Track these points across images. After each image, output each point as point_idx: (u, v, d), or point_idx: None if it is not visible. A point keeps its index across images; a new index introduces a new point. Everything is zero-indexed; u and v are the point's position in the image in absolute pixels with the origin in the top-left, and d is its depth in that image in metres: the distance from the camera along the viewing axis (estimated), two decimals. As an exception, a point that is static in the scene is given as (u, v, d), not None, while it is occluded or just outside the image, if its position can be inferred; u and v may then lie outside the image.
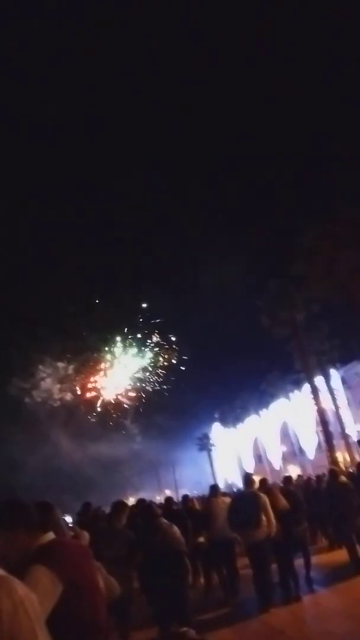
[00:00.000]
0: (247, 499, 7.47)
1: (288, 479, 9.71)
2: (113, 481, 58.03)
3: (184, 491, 56.60)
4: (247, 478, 8.14)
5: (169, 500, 10.16)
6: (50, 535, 2.58)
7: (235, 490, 27.52)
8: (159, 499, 53.02)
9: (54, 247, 67.32)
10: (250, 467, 52.37)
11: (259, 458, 50.89)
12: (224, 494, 10.50)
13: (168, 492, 62.91)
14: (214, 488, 9.28)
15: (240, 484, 47.65)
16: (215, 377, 60.34)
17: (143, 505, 8.25)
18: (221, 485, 54.44)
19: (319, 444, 38.83)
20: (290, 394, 42.90)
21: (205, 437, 60.52)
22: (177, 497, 41.63)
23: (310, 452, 41.23)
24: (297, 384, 40.74)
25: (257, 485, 8.40)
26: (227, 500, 8.63)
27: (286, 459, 47.05)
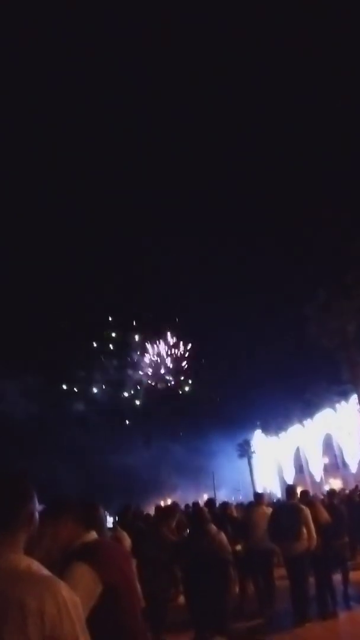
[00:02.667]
0: (289, 511, 7.40)
1: (332, 492, 9.55)
2: (152, 483, 58.40)
3: (222, 497, 56.42)
4: (290, 489, 8.07)
5: (210, 502, 10.14)
6: (93, 535, 2.64)
7: (274, 500, 27.18)
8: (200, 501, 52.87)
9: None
10: (290, 477, 51.58)
11: (300, 468, 50.05)
12: (267, 504, 10.41)
13: (206, 497, 62.71)
14: (258, 496, 9.22)
15: (279, 493, 47.06)
16: (259, 384, 59.73)
17: (194, 509, 8.30)
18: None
19: (363, 458, 37.98)
20: (337, 405, 42.04)
21: (246, 443, 60.03)
22: (216, 504, 41.39)
23: (354, 465, 40.28)
24: (344, 395, 39.88)
25: (298, 496, 8.32)
26: (269, 510, 8.56)
27: (328, 471, 46.10)
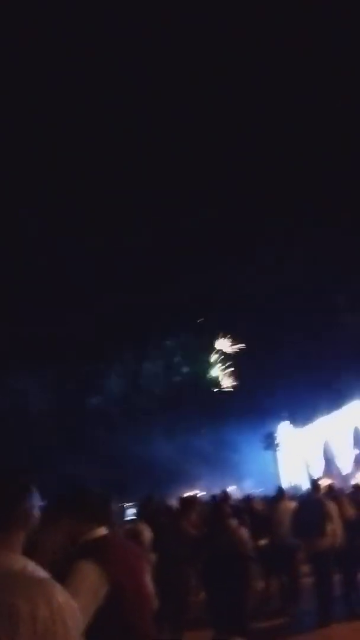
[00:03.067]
0: (313, 506, 7.08)
1: (358, 487, 9.16)
2: (176, 474, 58.49)
3: (246, 489, 56.13)
4: (314, 484, 7.73)
5: (225, 496, 9.87)
6: (103, 531, 2.49)
7: (299, 494, 26.84)
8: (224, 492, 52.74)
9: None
10: (318, 470, 50.99)
11: (328, 461, 49.42)
12: (291, 498, 10.08)
13: (231, 489, 62.65)
14: (281, 491, 8.90)
15: (305, 487, 46.54)
16: (286, 374, 59.10)
17: (213, 503, 8.04)
18: (285, 487, 53.54)
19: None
20: (366, 396, 41.31)
21: (272, 435, 59.50)
22: (240, 494, 41.23)
23: (383, 458, 39.61)
24: (374, 386, 39.12)
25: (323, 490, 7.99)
26: (292, 504, 8.24)
27: (358, 463, 45.40)
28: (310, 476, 52.39)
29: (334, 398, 46.17)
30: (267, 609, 8.13)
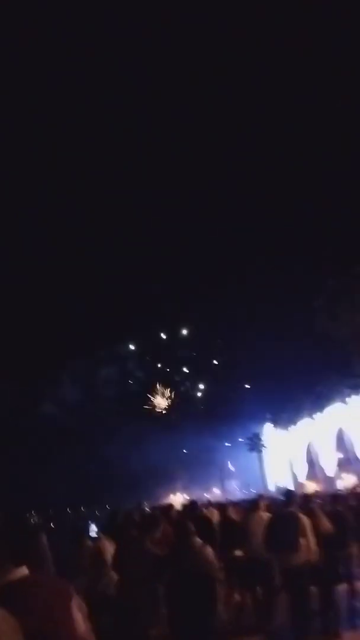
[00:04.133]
0: (286, 520, 6.73)
1: (336, 497, 8.84)
2: (160, 478, 58.23)
3: (232, 491, 55.93)
4: (288, 496, 7.38)
5: (192, 504, 9.48)
6: (23, 571, 2.15)
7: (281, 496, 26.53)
8: (207, 496, 52.59)
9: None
10: (302, 472, 50.90)
11: (312, 463, 49.30)
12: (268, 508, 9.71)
13: (216, 491, 62.43)
14: (255, 502, 8.51)
15: (291, 488, 46.42)
16: (269, 377, 59.07)
17: (177, 522, 7.66)
18: (271, 489, 53.37)
19: (376, 453, 37.30)
20: (348, 399, 41.19)
21: (256, 437, 59.35)
22: (224, 497, 40.88)
23: (367, 460, 39.55)
24: (356, 389, 39.06)
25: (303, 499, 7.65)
26: (266, 516, 7.90)
27: (341, 466, 45.36)
28: (294, 477, 52.23)
29: (316, 401, 46.18)
30: (242, 624, 7.80)
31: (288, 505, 7.06)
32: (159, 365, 73.60)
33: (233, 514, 10.26)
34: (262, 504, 8.34)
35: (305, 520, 6.57)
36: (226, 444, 63.16)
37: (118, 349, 72.12)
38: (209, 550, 5.40)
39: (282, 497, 9.00)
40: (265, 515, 7.89)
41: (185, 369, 69.98)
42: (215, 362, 69.26)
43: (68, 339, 61.35)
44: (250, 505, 8.77)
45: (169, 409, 68.26)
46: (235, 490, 60.43)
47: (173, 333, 72.63)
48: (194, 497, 34.12)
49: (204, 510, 11.26)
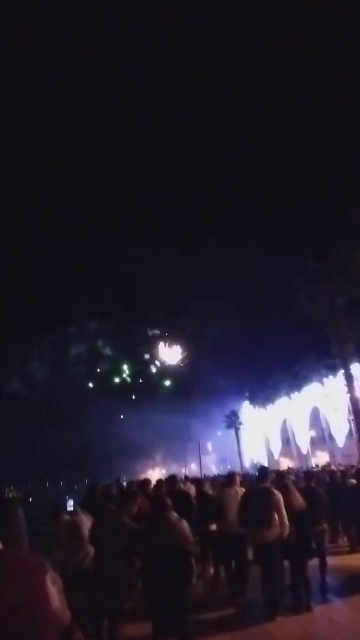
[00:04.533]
0: (259, 496, 6.81)
1: (309, 474, 8.97)
2: (138, 454, 58.67)
3: (209, 467, 56.63)
4: (262, 472, 7.46)
5: (172, 478, 9.52)
6: None
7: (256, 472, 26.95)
8: (184, 471, 53.20)
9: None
10: (277, 449, 51.73)
11: (287, 440, 50.12)
12: (242, 482, 9.78)
13: (194, 467, 63.17)
14: (230, 477, 8.59)
15: (266, 464, 47.13)
16: (247, 356, 59.44)
17: (154, 495, 7.70)
18: (247, 465, 54.13)
19: (350, 432, 37.99)
20: (324, 379, 41.81)
21: (234, 414, 60.04)
22: (201, 473, 41.39)
23: (340, 439, 40.31)
24: (332, 370, 39.62)
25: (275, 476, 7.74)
26: (241, 491, 7.99)
27: (315, 444, 46.22)
28: (270, 454, 53.08)
29: (294, 380, 46.71)
30: (215, 597, 7.94)
31: (262, 481, 7.15)
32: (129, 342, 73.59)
33: (209, 489, 10.39)
34: (237, 479, 8.41)
35: (278, 495, 6.66)
36: (203, 421, 63.79)
37: (87, 326, 71.81)
38: (185, 525, 5.45)
39: (256, 473, 9.09)
40: (240, 490, 7.98)
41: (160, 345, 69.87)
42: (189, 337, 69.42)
43: (35, 315, 61.01)
44: (225, 481, 8.85)
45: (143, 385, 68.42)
46: (212, 466, 61.16)
47: (144, 310, 72.49)
48: (172, 472, 34.46)
49: (182, 485, 11.37)
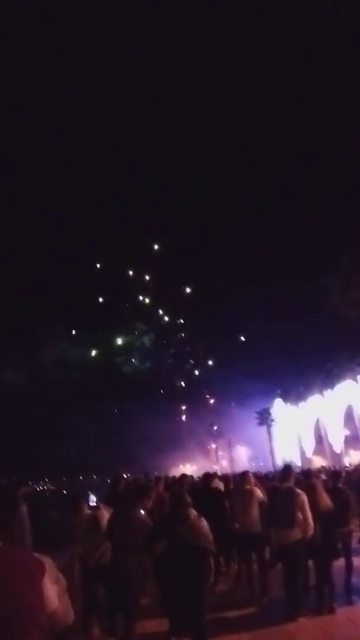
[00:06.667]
0: (284, 495, 6.67)
1: (337, 474, 8.75)
2: (171, 450, 58.84)
3: (241, 464, 56.35)
4: (286, 471, 7.30)
5: (206, 476, 9.42)
6: None
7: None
8: (216, 468, 53.10)
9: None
10: (310, 448, 51.07)
11: (320, 439, 49.42)
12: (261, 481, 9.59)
13: (225, 464, 62.96)
14: (244, 476, 8.36)
15: (298, 462, 46.62)
16: (280, 352, 58.81)
17: (172, 490, 7.62)
18: (279, 462, 53.64)
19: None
20: (358, 377, 41.02)
21: (266, 412, 59.56)
22: (232, 470, 41.16)
23: (375, 438, 39.60)
24: (367, 367, 38.88)
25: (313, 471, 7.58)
26: (256, 491, 7.84)
27: (348, 442, 45.44)
28: (302, 452, 52.37)
29: (327, 378, 45.94)
30: (237, 596, 7.84)
31: (285, 480, 7.00)
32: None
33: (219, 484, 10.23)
34: (251, 478, 8.24)
35: (302, 496, 6.50)
36: (234, 417, 63.59)
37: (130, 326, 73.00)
38: (204, 523, 5.36)
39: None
40: (255, 490, 7.84)
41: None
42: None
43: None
44: (239, 479, 8.68)
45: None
46: (244, 462, 60.86)
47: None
48: (202, 469, 34.45)
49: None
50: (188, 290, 74.03)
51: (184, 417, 62.54)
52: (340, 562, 7.41)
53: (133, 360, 72.17)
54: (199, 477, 14.20)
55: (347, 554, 7.65)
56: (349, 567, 7.65)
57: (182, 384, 70.05)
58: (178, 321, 75.06)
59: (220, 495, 8.83)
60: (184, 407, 65.56)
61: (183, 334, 74.76)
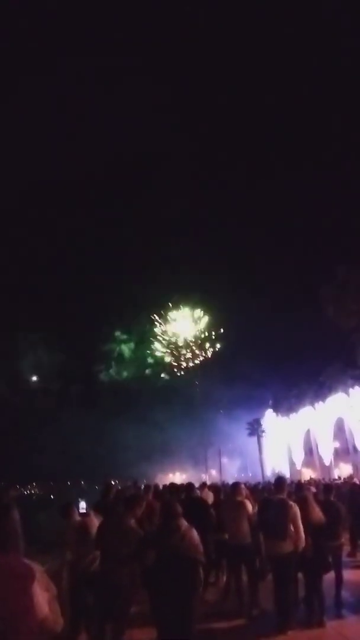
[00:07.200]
0: (276, 507, 6.64)
1: (329, 487, 8.73)
2: (160, 459, 58.61)
3: (230, 473, 56.22)
4: (279, 482, 7.27)
5: (189, 486, 9.35)
6: None
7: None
8: (205, 477, 52.92)
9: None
10: (299, 459, 51.03)
11: (310, 451, 49.40)
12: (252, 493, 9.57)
13: (214, 473, 62.80)
14: (235, 487, 8.33)
15: (287, 474, 46.54)
16: (272, 364, 58.89)
17: (163, 501, 7.57)
18: (268, 473, 53.55)
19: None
20: (350, 390, 41.06)
21: (257, 422, 59.52)
22: (221, 480, 41.08)
23: (365, 451, 39.60)
24: (358, 380, 38.95)
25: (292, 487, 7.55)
26: (246, 502, 7.81)
27: (338, 455, 45.44)
28: (292, 464, 52.39)
29: (319, 390, 45.98)
30: (227, 607, 7.78)
31: (278, 492, 6.97)
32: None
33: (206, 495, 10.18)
34: (243, 490, 8.22)
35: (295, 508, 6.48)
36: (224, 427, 63.53)
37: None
38: (195, 534, 5.31)
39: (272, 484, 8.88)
40: (246, 502, 7.81)
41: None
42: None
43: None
44: (230, 491, 8.65)
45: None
46: (234, 473, 60.70)
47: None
48: (191, 478, 34.33)
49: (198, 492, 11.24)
50: None
51: (173, 426, 62.33)
52: (330, 576, 7.39)
53: (115, 367, 72.38)
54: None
55: (338, 567, 7.62)
56: (339, 580, 7.63)
57: (173, 392, 69.97)
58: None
59: (205, 504, 8.75)
60: (174, 416, 65.43)
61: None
